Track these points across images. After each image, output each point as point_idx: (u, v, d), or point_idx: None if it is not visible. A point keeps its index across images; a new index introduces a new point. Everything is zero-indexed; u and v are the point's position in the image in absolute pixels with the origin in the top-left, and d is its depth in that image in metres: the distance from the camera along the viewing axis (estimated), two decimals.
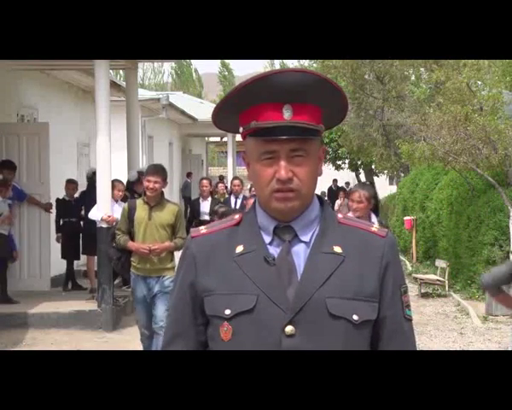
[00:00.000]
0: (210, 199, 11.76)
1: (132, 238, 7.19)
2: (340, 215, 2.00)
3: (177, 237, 7.17)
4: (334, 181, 30.27)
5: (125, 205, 7.47)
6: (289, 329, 1.85)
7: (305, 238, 1.93)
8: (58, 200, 12.02)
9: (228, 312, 1.90)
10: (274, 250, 1.92)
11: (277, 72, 1.86)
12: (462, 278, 13.37)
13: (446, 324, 10.81)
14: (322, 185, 27.52)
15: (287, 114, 1.87)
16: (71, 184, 12.15)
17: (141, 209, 7.15)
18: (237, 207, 11.79)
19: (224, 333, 1.91)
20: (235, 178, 13.32)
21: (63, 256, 12.04)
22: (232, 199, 12.41)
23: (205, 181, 12.14)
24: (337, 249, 1.92)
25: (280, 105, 1.87)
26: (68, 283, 12.20)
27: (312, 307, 1.86)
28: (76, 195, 12.18)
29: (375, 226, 2.00)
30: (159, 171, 7.16)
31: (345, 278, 1.89)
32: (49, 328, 9.06)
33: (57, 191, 12.17)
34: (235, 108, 1.93)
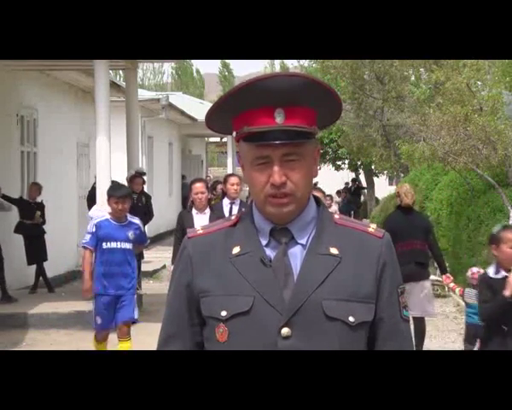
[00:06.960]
0: (208, 212, 8.07)
1: None
2: (336, 216, 2.00)
3: None
4: (353, 181, 29.05)
5: None
6: (285, 331, 1.85)
7: (302, 241, 1.92)
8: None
9: (224, 313, 1.89)
10: (270, 252, 1.92)
11: (266, 77, 1.85)
12: (461, 278, 13.34)
13: (446, 324, 10.81)
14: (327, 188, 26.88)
15: (279, 118, 1.86)
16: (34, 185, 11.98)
17: None
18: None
19: (219, 334, 1.90)
20: (230, 175, 9.47)
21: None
22: (226, 205, 8.69)
23: (198, 185, 8.18)
24: (333, 251, 1.91)
25: (271, 109, 1.86)
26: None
27: (308, 309, 1.86)
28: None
29: (372, 227, 1.99)
30: None
31: (341, 280, 1.89)
32: (49, 328, 9.05)
33: (57, 192, 12.16)
34: (227, 113, 1.92)
